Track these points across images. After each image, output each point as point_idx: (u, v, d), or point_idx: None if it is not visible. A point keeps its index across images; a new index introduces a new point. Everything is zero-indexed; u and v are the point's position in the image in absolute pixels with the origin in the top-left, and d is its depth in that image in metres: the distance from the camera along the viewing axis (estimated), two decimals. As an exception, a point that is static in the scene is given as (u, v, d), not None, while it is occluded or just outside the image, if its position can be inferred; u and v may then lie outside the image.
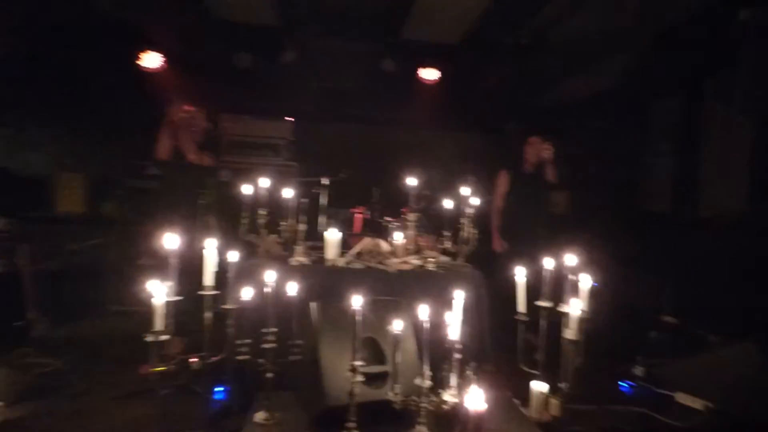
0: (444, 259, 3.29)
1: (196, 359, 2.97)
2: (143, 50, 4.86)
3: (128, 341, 3.85)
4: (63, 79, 5.02)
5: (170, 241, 2.29)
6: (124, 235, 5.01)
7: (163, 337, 2.13)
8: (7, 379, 2.73)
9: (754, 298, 3.71)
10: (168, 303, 2.21)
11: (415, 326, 2.60)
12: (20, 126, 4.97)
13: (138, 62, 4.87)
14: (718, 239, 4.37)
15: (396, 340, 2.05)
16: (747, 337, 2.96)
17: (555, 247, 3.69)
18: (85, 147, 5.37)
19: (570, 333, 2.45)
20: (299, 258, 3.10)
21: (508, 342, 3.53)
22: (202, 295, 3.29)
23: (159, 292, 2.15)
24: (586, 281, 2.56)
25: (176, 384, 2.66)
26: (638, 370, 3.45)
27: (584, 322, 2.50)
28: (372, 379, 2.32)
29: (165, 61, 5.04)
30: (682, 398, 3.02)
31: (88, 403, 2.85)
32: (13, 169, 4.95)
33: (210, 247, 2.48)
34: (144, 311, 4.05)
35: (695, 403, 2.93)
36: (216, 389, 2.86)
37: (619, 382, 3.34)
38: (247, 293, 2.32)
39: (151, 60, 4.95)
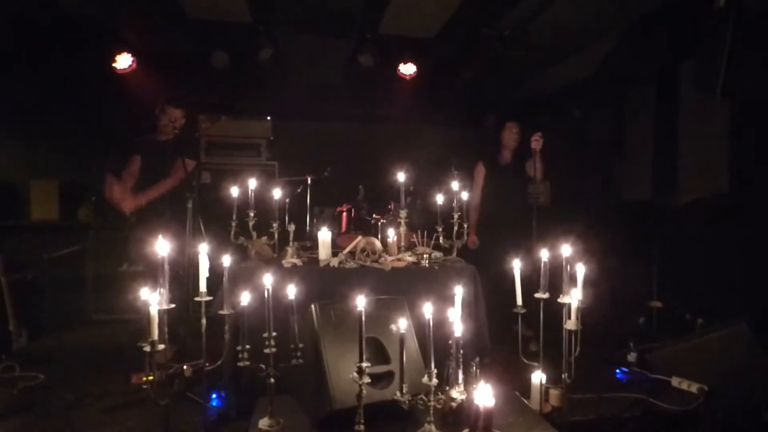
0: (437, 254, 3.27)
1: (188, 366, 2.91)
2: (117, 52, 4.68)
3: (113, 351, 3.76)
4: (32, 84, 4.82)
5: (162, 246, 2.20)
6: (100, 242, 4.87)
7: (160, 347, 2.05)
8: (-8, 395, 2.60)
9: (737, 281, 3.81)
10: (161, 311, 2.13)
11: (415, 324, 2.58)
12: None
13: (112, 64, 4.69)
14: (699, 224, 4.48)
15: (401, 339, 2.02)
16: (736, 319, 3.02)
17: (538, 238, 3.75)
18: (57, 152, 5.17)
19: (570, 323, 2.46)
20: (291, 259, 3.04)
21: (500, 335, 3.58)
22: (189, 302, 3.24)
23: (153, 300, 2.06)
24: (581, 271, 2.57)
25: (171, 392, 2.58)
26: (631, 357, 3.51)
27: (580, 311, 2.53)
28: (376, 380, 2.28)
29: (138, 62, 4.87)
30: (678, 382, 3.08)
31: (79, 416, 2.75)
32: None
33: (202, 252, 2.40)
34: (130, 319, 3.97)
35: (691, 386, 2.99)
36: (212, 396, 2.80)
37: (615, 370, 3.39)
38: (244, 298, 2.25)
39: (125, 61, 4.77)
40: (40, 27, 4.30)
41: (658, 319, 4.48)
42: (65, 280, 4.38)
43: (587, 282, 2.58)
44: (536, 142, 4.08)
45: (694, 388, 2.98)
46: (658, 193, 5.32)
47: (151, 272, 3.47)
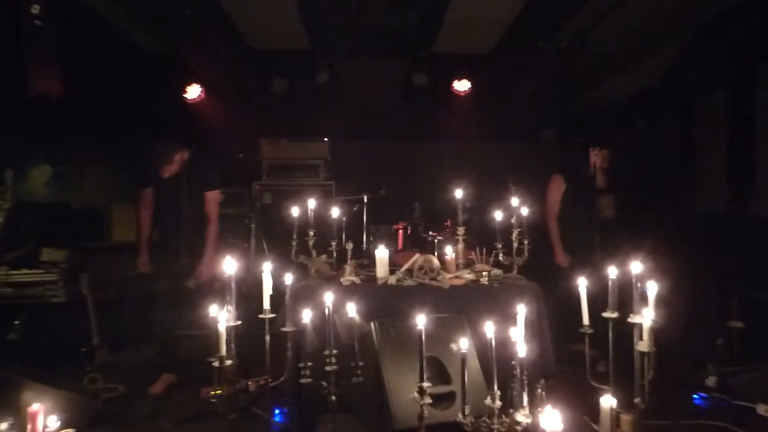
0: (497, 272, 3.21)
1: (253, 382, 3.01)
2: (187, 83, 5.02)
3: (183, 365, 3.94)
4: (114, 115, 5.24)
5: (229, 265, 2.31)
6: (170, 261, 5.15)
7: (228, 362, 2.13)
8: (79, 405, 2.80)
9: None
10: (228, 327, 2.23)
11: (476, 343, 2.54)
12: (74, 162, 5.20)
13: (183, 95, 5.03)
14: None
15: (462, 358, 1.99)
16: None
17: (608, 253, 3.59)
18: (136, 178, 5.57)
19: (642, 345, 2.33)
20: (350, 277, 3.09)
21: (565, 356, 3.44)
22: (255, 318, 3.35)
23: (222, 316, 2.16)
24: (653, 289, 2.44)
25: (237, 407, 2.67)
26: (710, 381, 3.26)
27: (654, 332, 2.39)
28: (437, 400, 2.26)
29: (206, 92, 5.19)
30: (765, 410, 2.83)
31: (155, 427, 2.92)
32: (71, 203, 5.17)
33: (266, 270, 2.49)
34: (201, 334, 4.15)
35: (781, 415, 2.74)
36: (275, 412, 2.86)
37: (693, 395, 3.16)
38: (306, 315, 2.31)
39: (194, 92, 5.11)
40: (121, 62, 4.68)
41: (738, 340, 4.14)
42: (142, 298, 4.66)
43: (659, 300, 2.45)
44: (596, 157, 3.93)
45: (785, 417, 2.73)
46: (734, 203, 4.97)
47: (213, 289, 3.65)
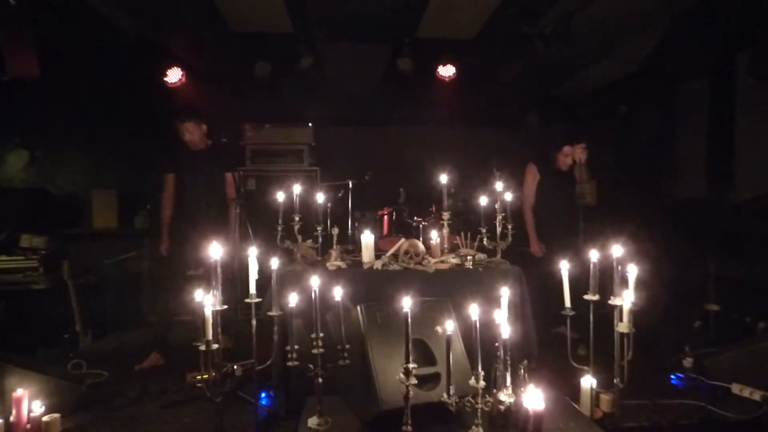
0: (481, 256, 3.25)
1: (239, 366, 3.01)
2: (168, 66, 4.91)
3: (168, 350, 3.94)
4: (92, 101, 5.13)
5: (215, 251, 2.30)
6: (155, 247, 5.11)
7: (214, 346, 2.14)
8: (63, 390, 2.79)
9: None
10: (214, 311, 2.23)
11: (461, 326, 2.57)
12: (54, 148, 5.10)
13: (164, 78, 4.93)
14: (759, 222, 4.24)
15: (447, 340, 2.02)
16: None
17: (590, 238, 3.65)
18: (116, 165, 5.48)
19: (622, 326, 2.39)
20: (336, 262, 3.10)
21: (547, 338, 3.51)
22: (238, 304, 3.35)
23: (207, 301, 2.16)
24: (633, 272, 2.50)
25: (223, 391, 2.68)
26: (687, 362, 3.37)
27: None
28: (423, 381, 2.30)
29: (187, 76, 5.09)
30: (739, 389, 2.93)
31: (142, 411, 2.91)
32: (51, 189, 5.07)
33: (252, 255, 2.49)
34: (186, 320, 4.14)
35: (753, 394, 2.84)
36: (261, 395, 2.88)
37: (670, 376, 3.26)
38: (292, 299, 2.32)
39: (175, 75, 5.01)
40: (100, 46, 4.56)
41: (715, 322, 4.27)
42: (124, 284, 4.63)
43: (639, 283, 2.51)
44: (581, 153, 3.98)
45: (757, 395, 2.82)
46: (713, 190, 5.08)
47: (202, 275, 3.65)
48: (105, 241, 5.00)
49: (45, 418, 2.54)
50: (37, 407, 2.55)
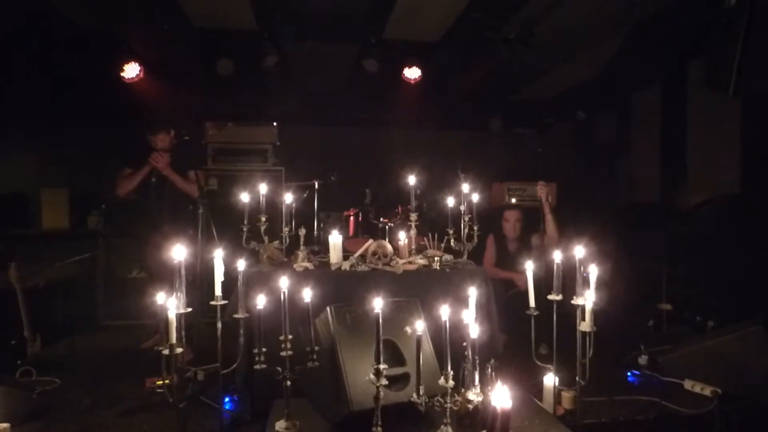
0: (448, 257, 3.28)
1: (201, 370, 2.92)
2: (125, 62, 4.72)
3: (125, 355, 3.79)
4: (44, 94, 4.88)
5: (178, 252, 2.22)
6: (110, 249, 4.90)
7: (178, 350, 2.06)
8: (11, 399, 2.62)
9: (748, 283, 3.80)
10: (178, 315, 2.15)
11: (429, 326, 2.58)
12: (1, 144, 4.82)
13: (120, 74, 4.72)
14: (709, 225, 4.47)
15: (417, 341, 2.02)
16: (750, 320, 3.01)
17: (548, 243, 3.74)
18: (67, 162, 5.23)
19: (585, 325, 2.45)
20: (303, 263, 3.05)
21: (511, 338, 3.58)
22: (201, 306, 3.26)
23: (171, 304, 2.08)
24: (594, 273, 2.57)
25: (185, 396, 2.59)
26: (642, 359, 3.49)
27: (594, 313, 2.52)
28: (392, 382, 2.29)
29: (145, 72, 4.90)
30: (691, 385, 3.06)
31: (95, 420, 2.77)
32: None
33: (218, 257, 2.42)
34: (145, 324, 3.99)
35: (704, 389, 2.97)
36: (225, 400, 2.80)
37: (627, 373, 3.38)
38: (260, 301, 2.26)
39: (133, 71, 4.81)
40: (51, 39, 4.34)
41: (667, 321, 4.46)
42: (76, 287, 4.41)
43: (600, 284, 2.58)
44: (542, 189, 4.06)
45: (707, 391, 2.96)
46: (666, 194, 5.31)
47: (157, 279, 3.55)
48: (55, 242, 4.76)
49: (-8, 429, 2.40)
50: (-16, 418, 2.39)
